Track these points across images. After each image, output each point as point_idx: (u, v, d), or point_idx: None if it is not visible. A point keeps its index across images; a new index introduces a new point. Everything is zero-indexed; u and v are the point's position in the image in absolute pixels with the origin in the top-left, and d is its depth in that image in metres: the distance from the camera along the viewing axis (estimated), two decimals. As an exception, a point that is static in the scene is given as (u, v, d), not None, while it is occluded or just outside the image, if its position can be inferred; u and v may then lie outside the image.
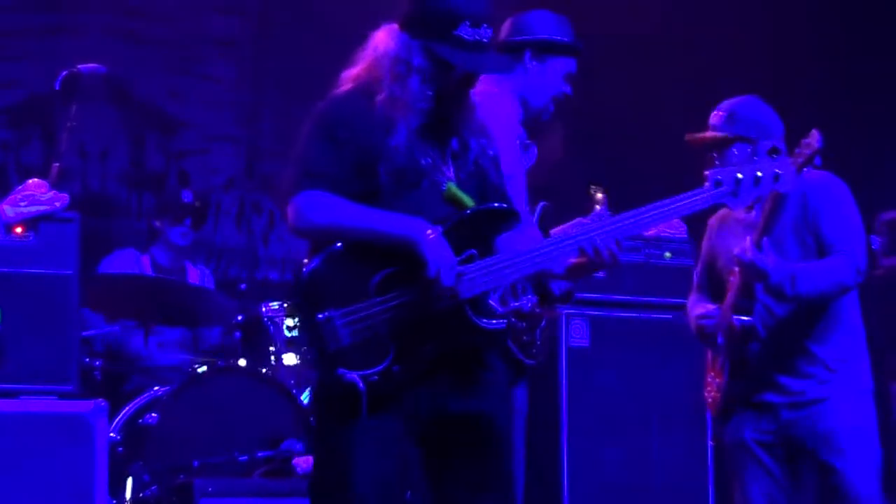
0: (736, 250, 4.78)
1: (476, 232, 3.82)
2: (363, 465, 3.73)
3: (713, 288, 5.12)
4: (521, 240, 3.93)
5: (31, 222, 5.10)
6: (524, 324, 4.77)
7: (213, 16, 8.35)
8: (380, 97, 3.81)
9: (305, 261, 3.79)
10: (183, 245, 7.21)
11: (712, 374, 5.06)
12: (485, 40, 3.83)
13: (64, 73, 5.44)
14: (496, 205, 3.88)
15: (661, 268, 6.29)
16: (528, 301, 4.73)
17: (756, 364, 4.91)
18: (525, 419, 5.08)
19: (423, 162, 3.82)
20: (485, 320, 3.81)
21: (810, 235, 4.88)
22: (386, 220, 3.75)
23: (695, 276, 5.30)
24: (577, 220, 4.85)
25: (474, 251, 3.79)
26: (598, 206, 5.22)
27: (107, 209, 8.11)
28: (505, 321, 3.88)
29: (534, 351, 4.86)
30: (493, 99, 4.75)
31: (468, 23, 3.80)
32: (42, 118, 7.84)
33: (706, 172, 3.94)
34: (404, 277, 3.74)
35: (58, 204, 5.04)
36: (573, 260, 3.92)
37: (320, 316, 3.70)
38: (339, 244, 3.76)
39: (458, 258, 3.75)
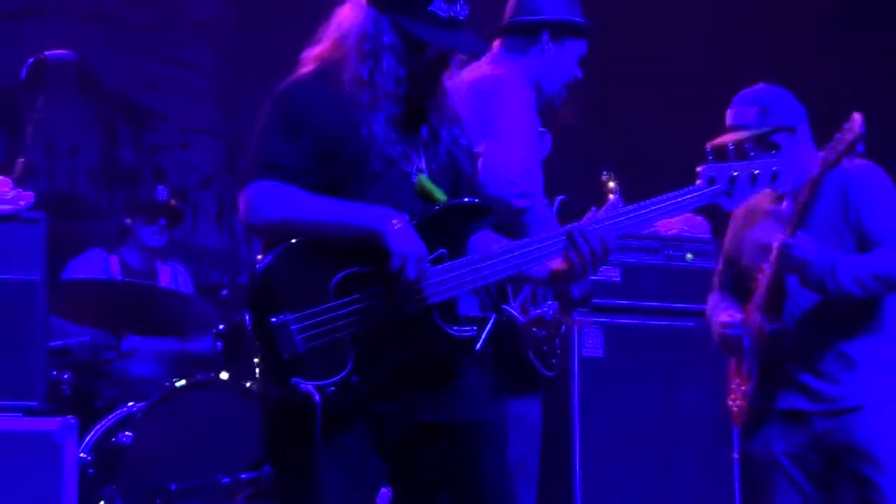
0: (774, 243, 4.70)
1: (447, 229, 3.66)
2: (331, 489, 3.58)
3: (736, 286, 5.05)
4: (494, 240, 3.81)
5: (-8, 223, 5.06)
6: (545, 332, 4.65)
7: (191, -4, 8.40)
8: (346, 78, 3.67)
9: (259, 257, 3.61)
10: (155, 246, 7.08)
11: (738, 380, 4.99)
12: (461, 17, 3.69)
13: (30, 60, 5.38)
14: (468, 200, 3.72)
15: (683, 270, 6.15)
16: (549, 308, 4.57)
17: (785, 368, 4.84)
18: (541, 435, 4.96)
19: (391, 151, 3.67)
20: (455, 327, 3.63)
21: (850, 230, 4.81)
22: (348, 210, 3.59)
23: (716, 273, 5.23)
24: (592, 210, 4.77)
25: (444, 251, 3.64)
26: (611, 196, 5.14)
27: (76, 209, 8.07)
28: (475, 328, 3.68)
29: (553, 361, 4.75)
30: (500, 82, 4.72)
31: None
32: (5, 110, 7.72)
33: (698, 169, 3.79)
34: (367, 278, 3.58)
35: (22, 203, 5.01)
36: (556, 265, 3.77)
37: (274, 320, 3.52)
38: (296, 239, 3.60)
39: (428, 257, 3.61)
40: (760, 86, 4.97)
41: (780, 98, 4.93)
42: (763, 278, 4.78)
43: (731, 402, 5.00)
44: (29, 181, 5.40)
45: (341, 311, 3.55)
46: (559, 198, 4.82)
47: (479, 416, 3.73)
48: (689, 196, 3.77)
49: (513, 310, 4.57)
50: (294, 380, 3.49)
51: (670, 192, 3.77)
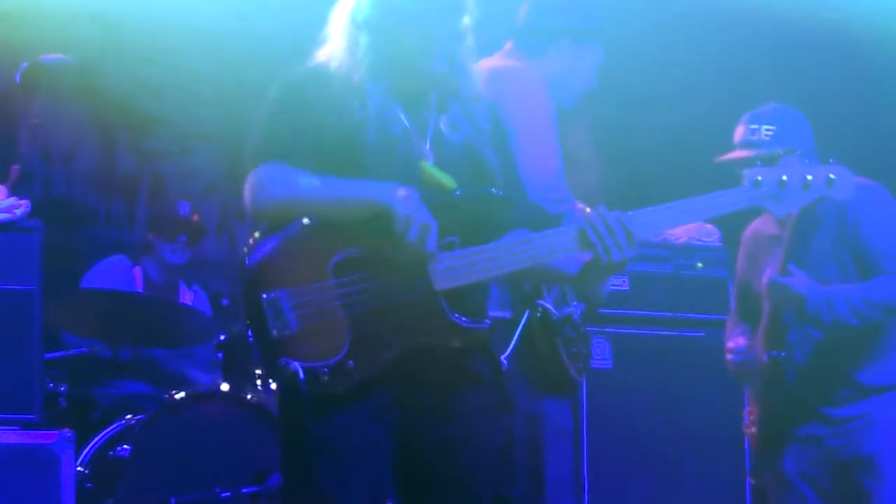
0: (764, 276, 4.77)
1: (461, 217, 3.68)
2: (335, 481, 3.61)
3: (750, 313, 5.12)
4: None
5: (-13, 231, 5.01)
6: (574, 333, 4.63)
7: (191, -3, 8.16)
8: (340, 63, 3.79)
9: (256, 234, 3.70)
10: (176, 263, 7.17)
11: (750, 408, 5.12)
12: None
13: (24, 64, 5.37)
14: (484, 190, 3.76)
15: (692, 279, 6.18)
16: (577, 308, 4.62)
17: (795, 395, 4.94)
18: (571, 441, 5.00)
19: (393, 131, 3.75)
20: (465, 318, 3.65)
21: (849, 252, 4.84)
22: (352, 186, 3.65)
23: (733, 297, 5.33)
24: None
25: (455, 238, 3.66)
26: None
27: (73, 217, 7.99)
28: (489, 321, 3.73)
29: (581, 366, 4.74)
30: (519, 74, 4.71)
31: None
32: (-1, 114, 7.71)
33: (744, 171, 3.77)
34: (371, 260, 3.61)
35: (18, 211, 5.06)
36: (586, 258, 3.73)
37: (265, 296, 3.57)
38: (300, 220, 3.67)
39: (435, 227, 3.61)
40: (774, 105, 5.00)
41: (794, 119, 4.98)
42: (767, 306, 4.86)
43: (746, 431, 5.13)
44: (24, 188, 5.38)
45: (339, 291, 3.57)
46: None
47: (477, 437, 3.75)
48: (732, 197, 3.72)
49: (548, 304, 4.57)
50: (283, 360, 3.52)
51: (710, 192, 3.72)
